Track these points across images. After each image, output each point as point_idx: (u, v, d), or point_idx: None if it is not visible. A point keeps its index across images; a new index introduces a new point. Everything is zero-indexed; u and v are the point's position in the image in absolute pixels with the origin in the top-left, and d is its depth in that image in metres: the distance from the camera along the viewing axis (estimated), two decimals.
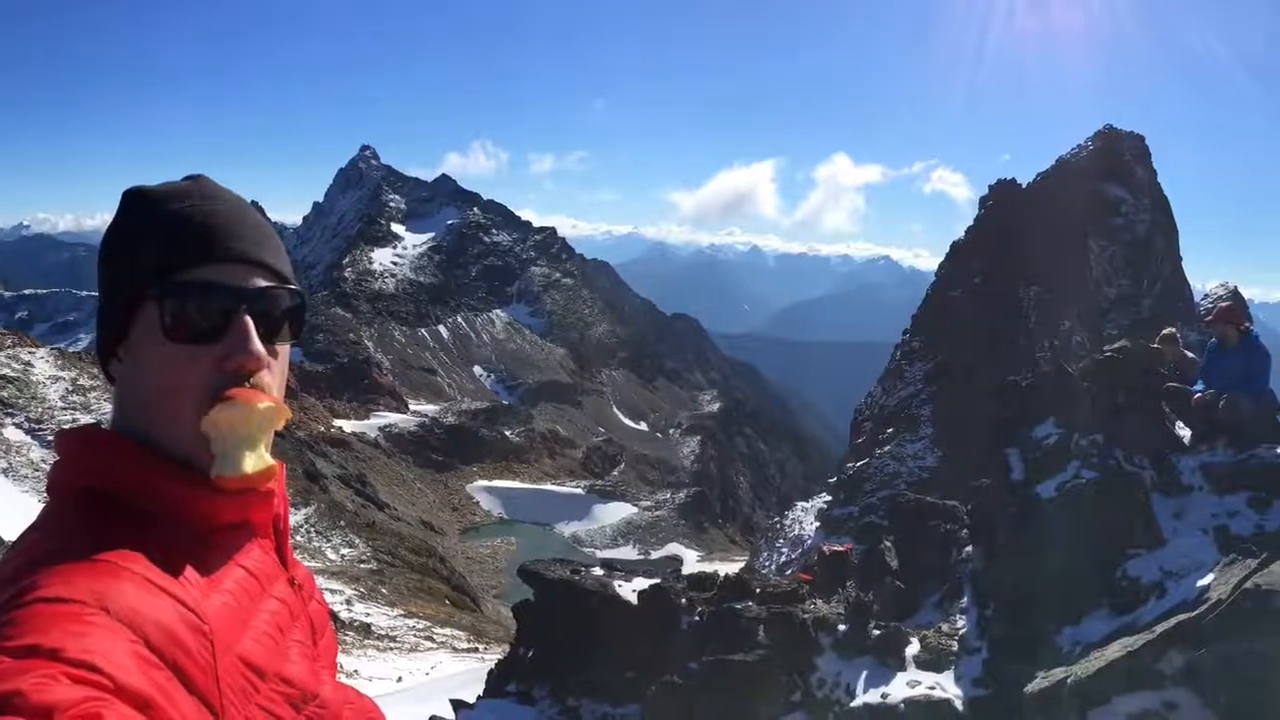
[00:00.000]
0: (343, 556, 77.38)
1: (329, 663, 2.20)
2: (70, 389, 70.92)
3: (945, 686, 12.87)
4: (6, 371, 68.88)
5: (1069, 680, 10.54)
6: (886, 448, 71.42)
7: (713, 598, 17.41)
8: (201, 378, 1.86)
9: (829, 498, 74.60)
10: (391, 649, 51.62)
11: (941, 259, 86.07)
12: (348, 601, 61.09)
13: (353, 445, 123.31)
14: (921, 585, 16.90)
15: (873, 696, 13.06)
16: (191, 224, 1.91)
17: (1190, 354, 15.80)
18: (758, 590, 17.35)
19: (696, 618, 17.05)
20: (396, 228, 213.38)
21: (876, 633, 14.19)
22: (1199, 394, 13.66)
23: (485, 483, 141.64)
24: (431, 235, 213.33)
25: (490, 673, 20.78)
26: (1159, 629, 10.32)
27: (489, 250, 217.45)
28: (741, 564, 73.79)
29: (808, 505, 78.96)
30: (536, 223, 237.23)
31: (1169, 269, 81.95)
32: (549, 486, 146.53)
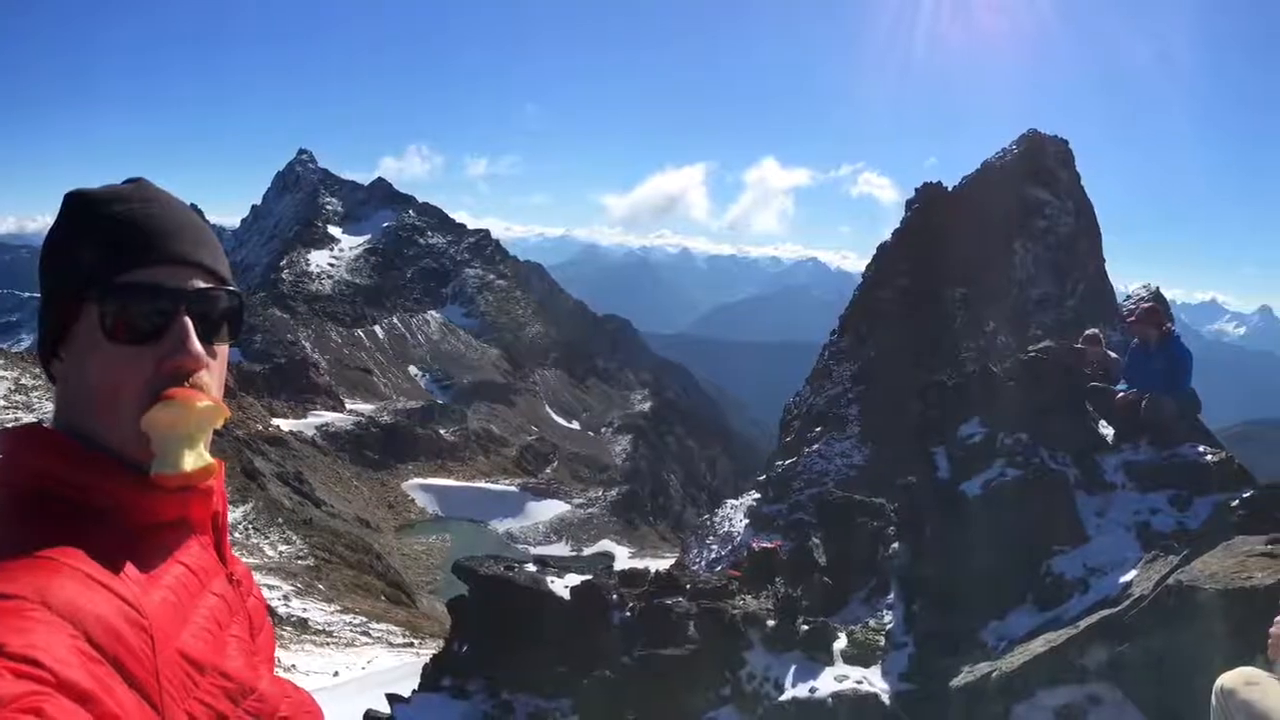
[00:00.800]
0: (280, 553, 77.42)
1: (267, 657, 2.22)
2: (13, 389, 70.43)
3: (872, 681, 12.87)
4: None
5: (994, 675, 10.58)
6: (815, 446, 71.73)
7: (644, 593, 17.45)
8: (141, 377, 1.87)
9: (758, 495, 74.78)
10: (328, 644, 51.61)
11: (868, 261, 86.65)
12: (285, 597, 61.21)
13: (290, 444, 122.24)
14: (849, 581, 16.88)
15: (801, 691, 13.03)
16: (132, 226, 1.91)
17: (1113, 354, 15.91)
18: (688, 586, 17.42)
19: (628, 613, 17.08)
20: (333, 230, 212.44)
21: (805, 628, 14.17)
22: (1122, 394, 13.76)
23: (420, 480, 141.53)
24: (367, 237, 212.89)
25: (425, 667, 20.70)
26: (1083, 624, 10.38)
27: (424, 252, 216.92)
28: (672, 560, 73.96)
29: (737, 503, 79.10)
30: (471, 225, 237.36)
31: (1092, 270, 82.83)
32: (483, 484, 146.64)
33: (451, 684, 18.46)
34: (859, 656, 13.56)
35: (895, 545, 15.99)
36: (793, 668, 13.66)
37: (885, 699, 12.46)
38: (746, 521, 71.27)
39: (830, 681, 13.02)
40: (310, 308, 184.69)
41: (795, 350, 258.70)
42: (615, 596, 17.72)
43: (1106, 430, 14.28)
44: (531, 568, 19.96)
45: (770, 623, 14.61)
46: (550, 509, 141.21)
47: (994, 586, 12.49)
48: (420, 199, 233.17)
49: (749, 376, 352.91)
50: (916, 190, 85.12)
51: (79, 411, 1.89)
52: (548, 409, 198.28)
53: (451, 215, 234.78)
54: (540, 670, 17.28)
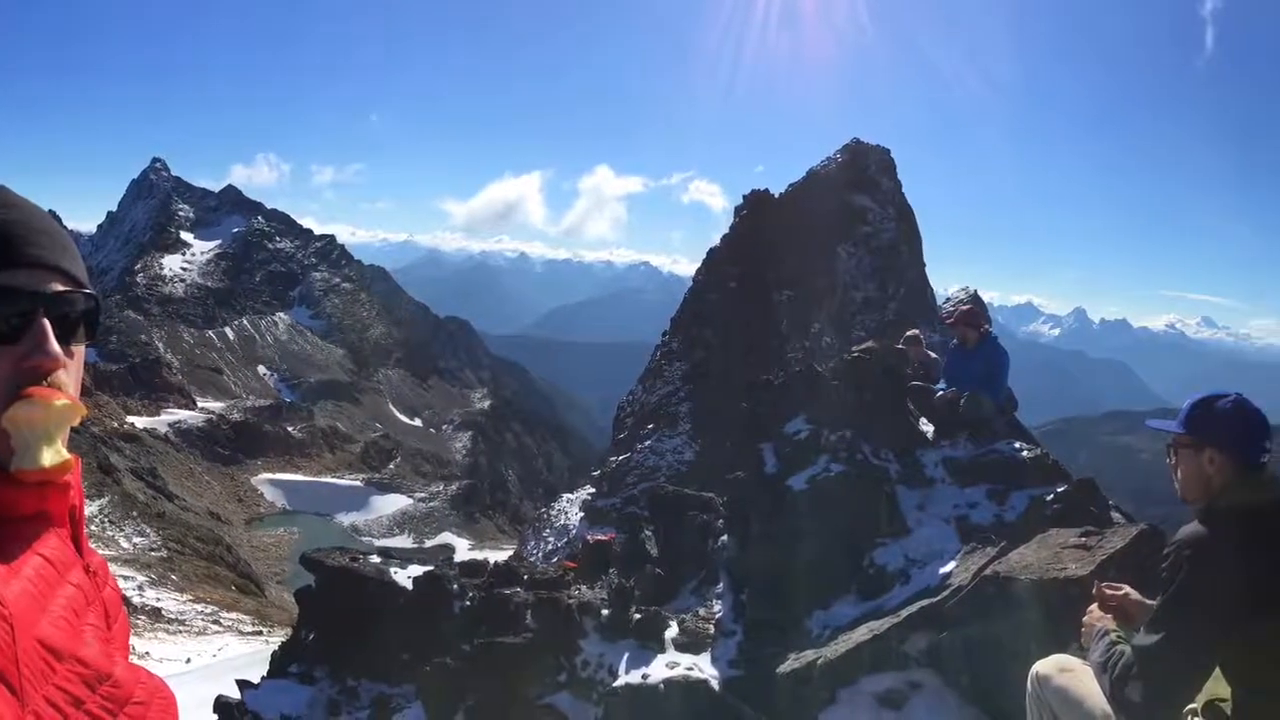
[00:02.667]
0: (135, 545, 78.25)
1: (122, 645, 2.20)
2: None
3: (703, 667, 12.85)
4: None
5: (819, 661, 10.57)
6: (647, 442, 72.00)
7: (483, 584, 17.55)
8: (1, 377, 1.87)
9: (593, 490, 75.08)
10: (181, 632, 52.39)
11: (699, 265, 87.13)
12: (140, 587, 61.88)
13: (144, 440, 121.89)
14: (680, 572, 16.94)
15: (634, 677, 12.99)
16: None
17: (933, 354, 16.11)
18: (525, 577, 17.50)
19: (468, 603, 17.21)
20: (185, 235, 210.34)
21: (638, 617, 14.14)
22: (941, 392, 13.90)
23: (269, 476, 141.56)
24: (218, 243, 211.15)
25: (274, 654, 20.99)
26: (904, 613, 10.43)
27: (272, 257, 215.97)
28: (510, 552, 74.01)
29: (572, 497, 79.45)
30: (317, 231, 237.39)
31: (913, 274, 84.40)
32: (329, 479, 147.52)
33: (299, 671, 18.69)
34: (690, 644, 13.52)
35: (724, 537, 16.03)
36: (626, 655, 13.63)
37: (715, 685, 12.43)
38: (581, 515, 71.60)
39: (662, 668, 12.98)
40: (163, 310, 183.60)
41: (629, 350, 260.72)
42: (456, 587, 17.89)
43: (927, 427, 14.43)
44: (375, 559, 20.52)
45: (604, 612, 14.58)
46: (393, 503, 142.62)
47: (819, 577, 12.51)
48: (269, 206, 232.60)
49: (584, 376, 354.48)
50: (745, 197, 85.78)
51: None
52: (391, 407, 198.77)
53: (299, 221, 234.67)
54: (384, 657, 17.51)
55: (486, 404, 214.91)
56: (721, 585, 14.90)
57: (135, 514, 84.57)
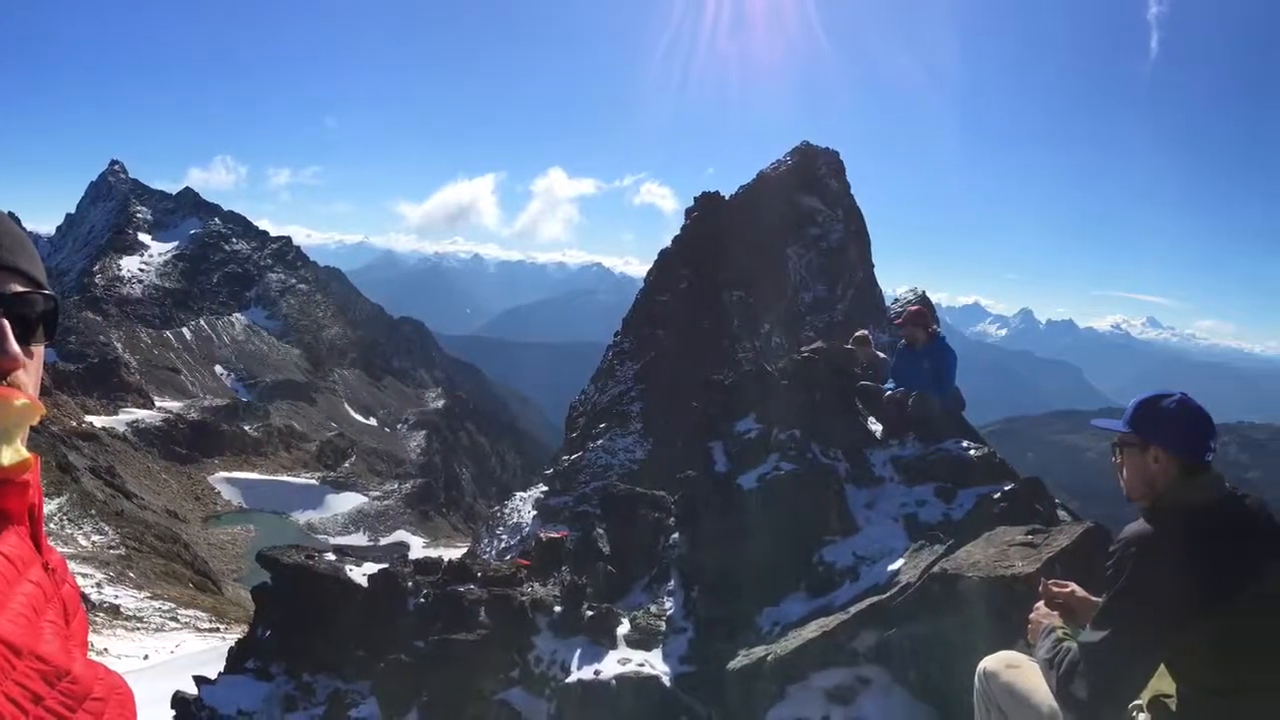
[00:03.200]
0: (93, 543, 78.00)
1: (81, 642, 2.15)
2: None
3: (654, 664, 12.86)
4: None
5: (769, 658, 10.56)
6: (599, 441, 72.11)
7: (437, 581, 17.63)
8: None
9: (545, 488, 75.06)
10: (139, 629, 52.34)
11: (650, 266, 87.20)
12: (98, 585, 62.16)
13: (103, 439, 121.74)
14: (632, 569, 16.95)
15: (586, 673, 12.99)
16: None
17: (882, 354, 16.14)
18: (479, 574, 17.55)
19: (422, 599, 17.33)
20: (143, 237, 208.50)
21: (590, 614, 14.13)
22: (890, 392, 13.93)
23: (226, 474, 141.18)
24: (176, 244, 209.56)
25: (231, 651, 21.01)
26: (853, 610, 10.43)
27: (229, 258, 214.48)
28: (464, 550, 74.16)
29: (526, 495, 79.38)
30: (273, 232, 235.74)
31: (862, 275, 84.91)
32: (285, 478, 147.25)
33: (255, 666, 18.75)
34: (641, 641, 13.54)
35: (675, 535, 16.03)
36: (578, 651, 13.65)
37: (666, 681, 12.45)
38: (534, 513, 71.57)
39: (614, 664, 13.00)
40: (121, 310, 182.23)
41: (581, 351, 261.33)
42: (410, 584, 18.06)
43: (875, 427, 14.47)
44: (331, 557, 20.50)
45: (557, 609, 14.61)
46: (349, 501, 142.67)
47: (769, 574, 12.51)
48: (226, 208, 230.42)
49: (537, 376, 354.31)
50: (696, 199, 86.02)
51: None
52: (346, 406, 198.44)
53: (255, 223, 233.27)
54: (340, 654, 17.60)
55: (441, 403, 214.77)
56: (673, 582, 14.91)
57: (94, 512, 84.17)
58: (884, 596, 10.21)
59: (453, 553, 53.37)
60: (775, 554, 12.63)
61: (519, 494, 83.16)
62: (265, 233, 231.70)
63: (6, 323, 1.88)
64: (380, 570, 18.71)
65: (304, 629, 18.15)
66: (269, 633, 19.40)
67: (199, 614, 60.40)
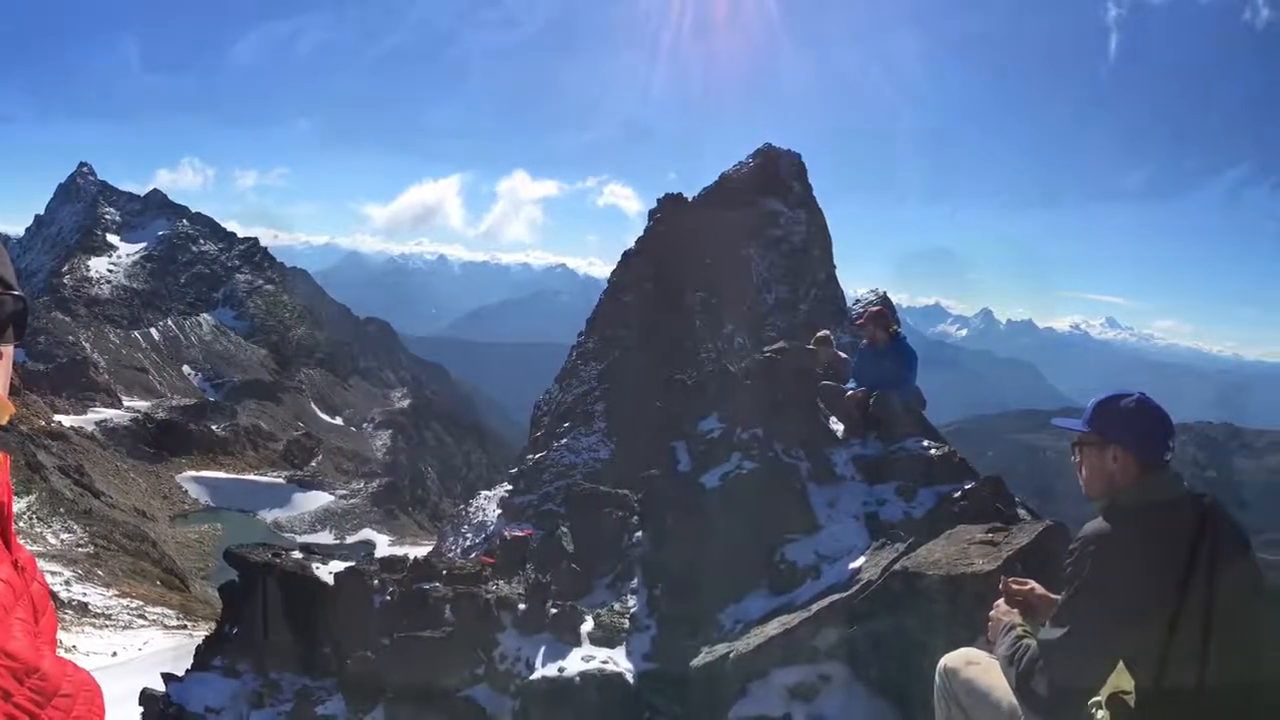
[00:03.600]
0: (62, 541, 78.17)
1: (50, 639, 2.20)
2: None
3: (618, 661, 12.87)
4: None
5: (731, 655, 10.59)
6: (563, 441, 72.14)
7: (403, 579, 17.57)
8: None
9: (510, 487, 75.14)
10: (107, 626, 52.72)
11: (614, 267, 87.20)
12: (67, 582, 62.35)
13: (71, 438, 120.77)
14: (595, 568, 16.96)
15: (551, 670, 13.01)
16: None
17: (843, 355, 16.16)
18: (444, 572, 17.58)
19: (388, 597, 17.22)
20: (111, 238, 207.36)
21: (554, 611, 14.13)
22: (851, 391, 13.96)
23: (194, 473, 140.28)
24: (144, 245, 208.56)
25: (198, 648, 20.94)
26: (814, 608, 10.46)
27: (197, 259, 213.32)
28: (430, 548, 74.00)
29: (490, 494, 79.50)
30: (241, 234, 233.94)
31: (824, 276, 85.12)
32: (252, 476, 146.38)
33: (223, 664, 18.74)
34: (605, 638, 13.54)
35: (639, 534, 16.08)
36: (542, 648, 13.67)
37: (630, 678, 12.46)
38: (499, 511, 71.67)
39: (578, 662, 13.00)
40: (90, 311, 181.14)
41: (545, 351, 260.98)
42: (376, 582, 17.91)
43: (837, 426, 14.50)
44: (298, 555, 20.60)
45: (521, 607, 14.61)
46: (315, 500, 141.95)
47: (731, 572, 12.54)
48: (193, 209, 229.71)
49: (502, 376, 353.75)
50: (659, 201, 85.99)
51: None
52: (313, 406, 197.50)
53: (223, 224, 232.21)
54: (306, 651, 17.67)
55: (406, 403, 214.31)
56: (636, 580, 14.94)
57: (62, 510, 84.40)
58: (845, 594, 10.24)
59: (418, 551, 53.40)
60: (738, 552, 12.65)
61: (484, 493, 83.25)
62: (232, 234, 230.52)
63: None
64: (347, 568, 18.66)
65: (271, 626, 18.16)
66: (236, 630, 19.36)
67: (167, 611, 60.46)
